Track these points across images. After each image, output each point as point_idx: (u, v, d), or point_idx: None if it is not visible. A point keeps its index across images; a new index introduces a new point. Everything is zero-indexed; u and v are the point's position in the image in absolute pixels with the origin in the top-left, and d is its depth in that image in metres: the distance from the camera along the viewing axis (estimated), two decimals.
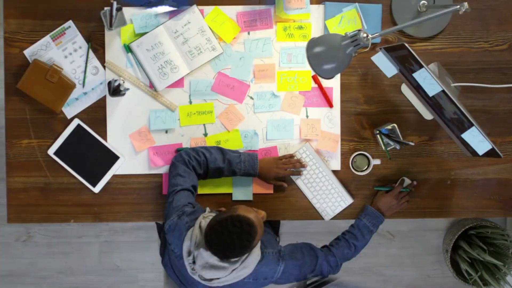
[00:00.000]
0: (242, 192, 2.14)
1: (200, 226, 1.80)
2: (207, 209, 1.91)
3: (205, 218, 1.82)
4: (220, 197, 2.14)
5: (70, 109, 2.13)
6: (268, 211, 2.15)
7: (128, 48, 2.11)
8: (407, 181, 2.15)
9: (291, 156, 2.10)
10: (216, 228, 1.68)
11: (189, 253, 1.78)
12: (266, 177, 2.06)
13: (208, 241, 1.69)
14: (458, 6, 1.74)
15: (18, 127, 2.13)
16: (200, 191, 2.13)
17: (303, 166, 2.10)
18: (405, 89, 2.15)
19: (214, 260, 1.73)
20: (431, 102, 1.92)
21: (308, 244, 1.97)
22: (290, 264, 1.88)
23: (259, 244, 1.83)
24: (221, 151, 2.02)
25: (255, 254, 1.80)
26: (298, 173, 2.10)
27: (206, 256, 1.74)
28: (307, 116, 2.15)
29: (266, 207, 2.15)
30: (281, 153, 2.14)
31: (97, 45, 2.13)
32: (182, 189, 1.92)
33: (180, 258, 1.84)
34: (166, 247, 1.90)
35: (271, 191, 2.15)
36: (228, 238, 1.67)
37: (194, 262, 1.77)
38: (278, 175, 2.06)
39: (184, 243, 1.80)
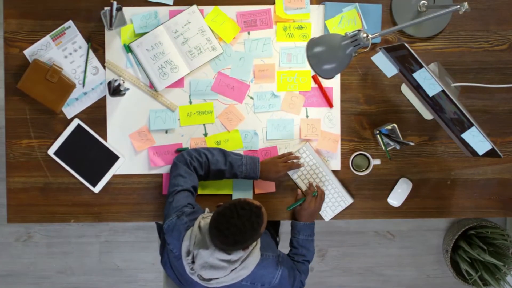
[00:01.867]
0: (242, 194, 2.14)
1: (199, 226, 1.80)
2: (206, 209, 1.91)
3: (204, 218, 1.82)
4: (220, 197, 2.14)
5: (70, 109, 2.13)
6: (268, 211, 2.15)
7: (128, 48, 2.11)
8: (407, 181, 2.15)
9: (290, 153, 2.11)
10: (226, 213, 1.67)
11: (188, 253, 1.78)
12: (268, 178, 2.06)
13: (217, 226, 1.67)
14: (458, 6, 1.74)
15: (18, 127, 2.13)
16: (200, 191, 2.13)
17: (300, 164, 2.11)
18: (405, 89, 2.15)
19: (213, 259, 1.73)
20: (431, 102, 1.92)
21: (291, 260, 2.00)
22: (286, 272, 1.87)
23: (258, 245, 1.83)
24: (223, 153, 2.02)
25: (255, 255, 1.80)
26: (298, 166, 2.10)
27: (206, 256, 1.73)
28: (307, 116, 2.15)
29: (266, 207, 2.15)
30: (281, 153, 2.14)
31: (97, 45, 2.13)
32: (182, 189, 1.92)
33: (179, 258, 1.83)
34: (165, 246, 1.90)
35: (274, 190, 2.15)
36: (238, 221, 1.66)
37: (193, 262, 1.77)
38: (279, 174, 2.06)
39: (183, 243, 1.80)
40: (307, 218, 2.08)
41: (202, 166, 1.98)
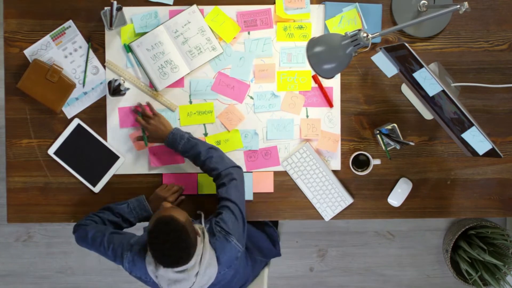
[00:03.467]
0: None
1: None
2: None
3: None
4: None
5: (70, 109, 2.13)
6: (268, 211, 2.16)
7: (128, 48, 2.11)
8: (407, 181, 2.15)
9: (172, 185, 2.12)
10: (153, 242, 1.68)
11: (156, 276, 1.80)
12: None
13: (157, 257, 1.69)
14: (458, 6, 1.74)
15: (18, 127, 2.13)
16: (200, 191, 2.13)
17: (182, 189, 2.12)
18: (405, 89, 2.15)
19: (172, 274, 1.75)
20: (431, 102, 1.92)
21: (218, 209, 1.93)
22: (234, 229, 1.85)
23: (207, 240, 1.81)
24: (109, 208, 2.04)
25: (208, 251, 1.79)
26: (182, 191, 2.12)
27: (165, 273, 1.76)
28: (307, 116, 2.15)
29: (266, 207, 2.15)
30: (281, 153, 2.15)
31: (97, 45, 2.13)
32: (109, 233, 1.93)
33: (156, 283, 1.85)
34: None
35: (272, 190, 2.15)
36: (168, 244, 1.67)
37: None
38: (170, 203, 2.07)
39: (148, 269, 1.81)
40: (160, 137, 2.03)
41: (98, 224, 2.01)
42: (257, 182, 2.15)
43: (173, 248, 1.67)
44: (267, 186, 2.15)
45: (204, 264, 1.77)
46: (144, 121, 2.06)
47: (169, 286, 1.77)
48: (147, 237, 1.71)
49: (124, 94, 2.06)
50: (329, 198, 2.15)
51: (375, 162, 2.13)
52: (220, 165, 1.95)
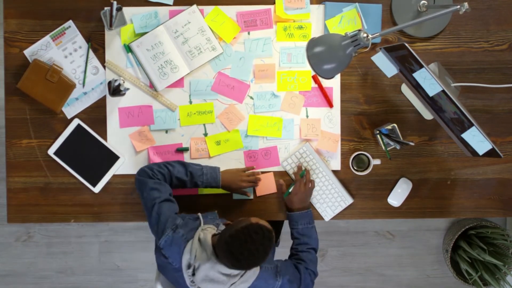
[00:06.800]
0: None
1: (199, 239, 1.80)
2: (199, 215, 1.90)
3: (203, 230, 1.82)
4: (221, 197, 2.14)
5: (70, 109, 2.13)
6: (268, 211, 2.16)
7: (128, 48, 2.11)
8: (407, 181, 2.15)
9: (253, 167, 2.12)
10: (239, 237, 1.67)
11: (189, 266, 1.79)
12: (230, 188, 2.07)
13: (230, 250, 1.67)
14: (458, 6, 1.74)
15: (18, 127, 2.13)
16: (201, 191, 2.14)
17: (259, 179, 2.12)
18: (405, 89, 2.15)
19: (214, 272, 1.74)
20: (431, 102, 1.92)
21: (290, 261, 1.99)
22: (285, 280, 1.88)
23: None
24: (184, 164, 2.02)
25: (254, 268, 1.80)
26: (256, 185, 2.11)
27: (207, 269, 1.74)
28: (307, 116, 2.15)
29: (266, 207, 2.15)
30: (281, 153, 2.15)
31: (97, 45, 2.13)
32: (161, 201, 1.91)
33: (178, 271, 1.83)
34: (161, 257, 1.89)
35: (274, 191, 2.15)
36: (252, 246, 1.66)
37: (193, 274, 1.78)
38: (241, 187, 2.06)
39: (183, 257, 1.80)
40: (299, 204, 2.06)
41: (165, 178, 1.97)
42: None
43: (253, 251, 1.66)
44: (270, 187, 2.15)
45: (244, 277, 1.78)
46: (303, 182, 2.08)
47: (202, 282, 1.76)
48: (234, 227, 1.69)
49: (124, 94, 2.06)
50: (329, 198, 2.15)
51: (375, 162, 2.13)
52: (314, 244, 2.06)
